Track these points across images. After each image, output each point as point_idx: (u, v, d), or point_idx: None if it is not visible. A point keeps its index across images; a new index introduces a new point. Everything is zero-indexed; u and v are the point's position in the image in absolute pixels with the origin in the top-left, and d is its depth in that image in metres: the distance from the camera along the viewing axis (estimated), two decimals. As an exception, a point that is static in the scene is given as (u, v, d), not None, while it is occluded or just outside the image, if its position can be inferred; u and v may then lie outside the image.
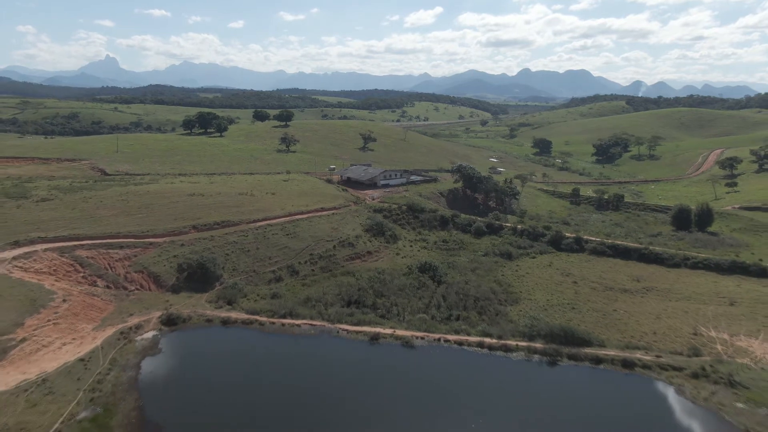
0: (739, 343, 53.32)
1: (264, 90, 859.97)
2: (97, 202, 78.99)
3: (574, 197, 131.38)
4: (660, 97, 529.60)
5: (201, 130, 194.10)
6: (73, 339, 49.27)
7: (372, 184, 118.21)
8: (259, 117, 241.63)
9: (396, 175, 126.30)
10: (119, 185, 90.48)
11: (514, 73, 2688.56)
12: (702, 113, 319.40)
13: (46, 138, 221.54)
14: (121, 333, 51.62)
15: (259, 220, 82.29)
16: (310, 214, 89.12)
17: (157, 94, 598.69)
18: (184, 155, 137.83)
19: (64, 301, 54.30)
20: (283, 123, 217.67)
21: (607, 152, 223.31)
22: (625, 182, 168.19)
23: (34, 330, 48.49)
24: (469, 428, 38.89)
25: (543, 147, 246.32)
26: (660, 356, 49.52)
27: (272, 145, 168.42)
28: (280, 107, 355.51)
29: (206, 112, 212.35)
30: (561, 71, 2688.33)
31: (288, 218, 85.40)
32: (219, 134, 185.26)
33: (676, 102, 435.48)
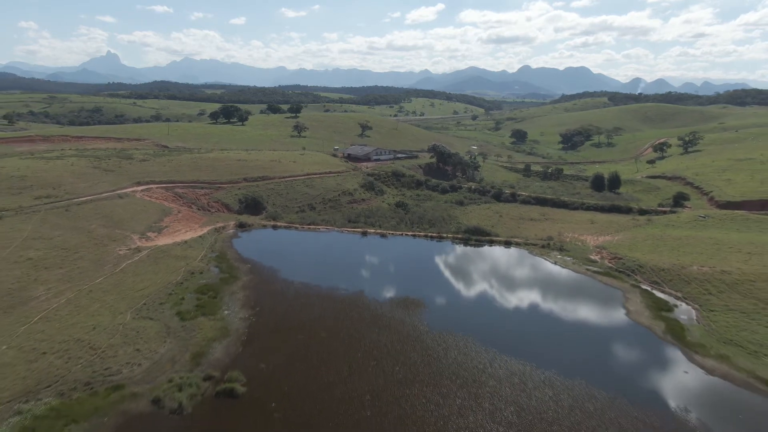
0: (581, 237, 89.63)
1: (267, 86, 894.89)
2: (177, 163, 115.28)
3: (526, 171, 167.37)
4: (641, 94, 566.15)
5: (225, 120, 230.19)
6: (191, 229, 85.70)
7: (367, 159, 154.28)
8: (273, 110, 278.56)
9: (386, 152, 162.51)
10: (187, 153, 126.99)
11: (515, 70, 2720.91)
12: (665, 108, 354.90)
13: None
14: (215, 229, 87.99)
15: (286, 177, 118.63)
16: (322, 175, 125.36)
17: (165, 90, 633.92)
18: (219, 137, 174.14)
19: (179, 212, 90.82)
20: (293, 115, 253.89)
21: (570, 140, 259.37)
22: (576, 163, 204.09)
23: (169, 223, 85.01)
24: (413, 266, 75.40)
25: (519, 137, 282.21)
26: (528, 240, 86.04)
27: (286, 132, 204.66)
28: (284, 102, 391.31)
29: (229, 105, 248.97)
30: (561, 68, 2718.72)
31: (306, 176, 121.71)
32: (241, 123, 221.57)
33: (653, 98, 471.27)
